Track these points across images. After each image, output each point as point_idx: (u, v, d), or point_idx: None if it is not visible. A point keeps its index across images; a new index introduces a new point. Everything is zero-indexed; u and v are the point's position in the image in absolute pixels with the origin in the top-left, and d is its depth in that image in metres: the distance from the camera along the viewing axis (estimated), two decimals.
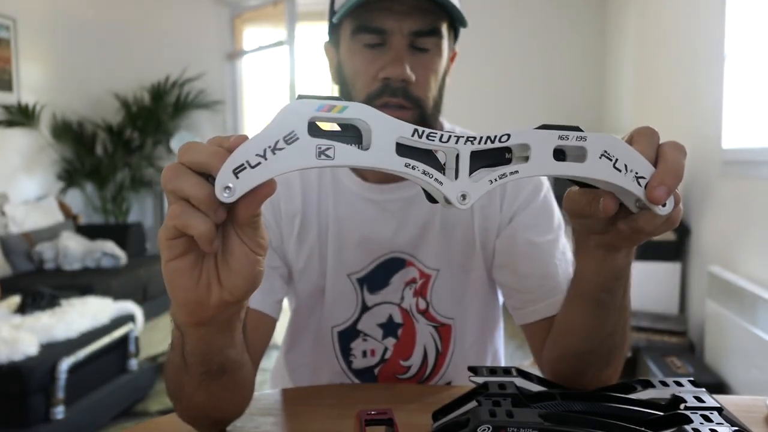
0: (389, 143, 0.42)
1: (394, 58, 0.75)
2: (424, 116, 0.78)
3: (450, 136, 0.43)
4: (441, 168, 0.44)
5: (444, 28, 0.78)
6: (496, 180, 0.44)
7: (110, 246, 3.75)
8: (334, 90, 0.87)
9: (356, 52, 0.78)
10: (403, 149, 0.43)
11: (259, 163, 0.39)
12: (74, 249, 3.61)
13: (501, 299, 0.91)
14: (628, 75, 3.75)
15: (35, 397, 2.04)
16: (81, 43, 4.64)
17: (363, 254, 0.84)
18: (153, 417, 2.40)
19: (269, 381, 1.02)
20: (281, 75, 4.60)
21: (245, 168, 0.39)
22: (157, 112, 4.57)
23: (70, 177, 4.43)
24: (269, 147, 0.39)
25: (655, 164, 0.47)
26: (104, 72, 4.76)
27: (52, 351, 2.12)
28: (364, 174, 0.84)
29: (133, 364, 2.57)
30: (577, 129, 0.46)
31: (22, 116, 3.94)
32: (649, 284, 2.69)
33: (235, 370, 0.58)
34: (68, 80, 4.51)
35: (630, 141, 0.49)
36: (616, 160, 0.46)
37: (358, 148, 0.41)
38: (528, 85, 4.39)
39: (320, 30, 4.75)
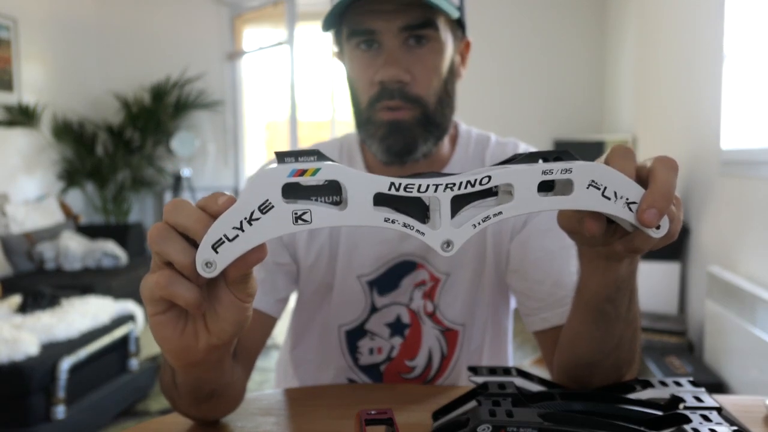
0: (366, 200, 0.41)
1: (387, 60, 0.74)
2: (427, 114, 0.76)
3: (429, 185, 0.42)
4: (426, 210, 0.44)
5: (441, 21, 0.75)
6: (479, 224, 0.43)
7: (111, 246, 3.75)
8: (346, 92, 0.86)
9: (353, 57, 0.78)
10: (383, 198, 0.42)
11: (237, 236, 0.39)
12: (75, 249, 3.61)
13: (513, 305, 0.90)
14: (628, 75, 3.75)
15: (36, 397, 2.04)
16: (81, 43, 4.65)
17: (374, 257, 0.83)
18: (154, 417, 2.41)
19: (274, 375, 1.02)
20: (281, 75, 4.60)
21: (223, 242, 0.39)
22: (158, 112, 4.57)
23: (70, 177, 4.44)
24: (245, 218, 0.39)
25: (646, 183, 0.45)
26: (104, 72, 4.77)
27: (53, 351, 2.12)
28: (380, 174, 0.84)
29: (134, 363, 2.58)
30: (565, 153, 0.45)
31: (23, 116, 3.95)
32: (648, 284, 2.69)
33: (224, 392, 0.61)
34: (68, 80, 4.52)
35: (606, 163, 0.47)
36: (605, 188, 0.44)
37: (336, 206, 0.41)
38: (528, 85, 4.39)
39: (320, 30, 4.70)
